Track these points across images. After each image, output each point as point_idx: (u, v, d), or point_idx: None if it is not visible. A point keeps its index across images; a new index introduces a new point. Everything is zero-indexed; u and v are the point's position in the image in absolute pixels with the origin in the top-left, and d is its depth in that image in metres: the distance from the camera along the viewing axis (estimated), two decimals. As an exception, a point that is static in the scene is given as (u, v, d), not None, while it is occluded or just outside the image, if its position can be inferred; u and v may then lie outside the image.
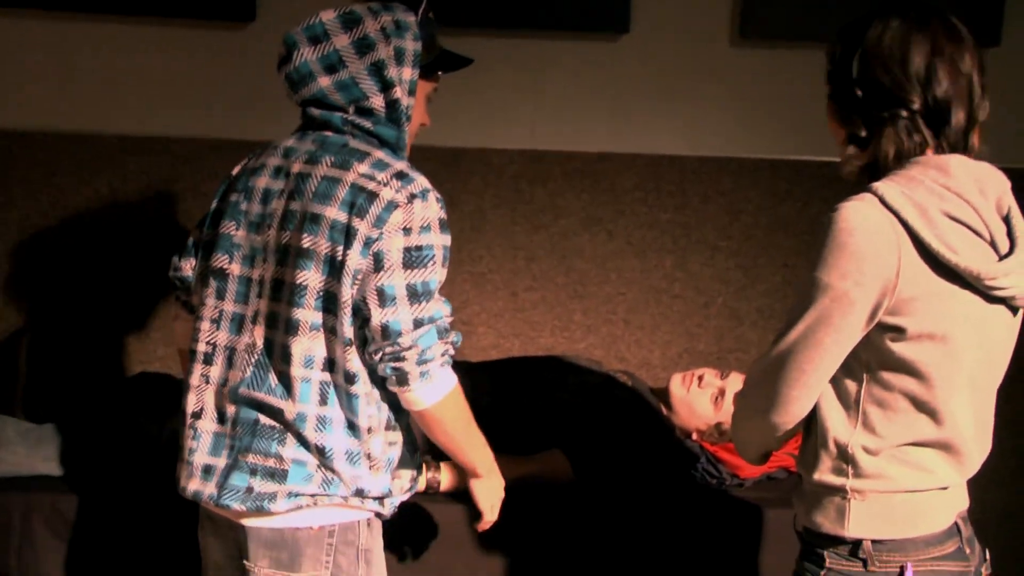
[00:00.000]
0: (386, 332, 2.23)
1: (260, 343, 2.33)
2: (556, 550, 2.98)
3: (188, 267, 2.55)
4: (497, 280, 3.78)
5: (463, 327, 3.77)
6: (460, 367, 3.34)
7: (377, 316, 2.23)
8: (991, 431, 2.18)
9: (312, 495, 2.29)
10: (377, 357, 2.26)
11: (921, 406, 2.04)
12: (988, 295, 2.02)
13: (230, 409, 2.35)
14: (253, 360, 2.32)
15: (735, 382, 3.31)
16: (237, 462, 2.31)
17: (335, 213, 2.26)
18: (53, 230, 3.64)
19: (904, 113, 2.02)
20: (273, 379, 2.30)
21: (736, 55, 3.75)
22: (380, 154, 2.32)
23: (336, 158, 2.31)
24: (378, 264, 2.24)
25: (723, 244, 3.82)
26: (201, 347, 2.41)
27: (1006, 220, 2.04)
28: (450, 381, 2.32)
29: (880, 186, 1.99)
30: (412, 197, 2.26)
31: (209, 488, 2.34)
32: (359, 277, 2.24)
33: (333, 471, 2.30)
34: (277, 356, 2.31)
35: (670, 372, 3.57)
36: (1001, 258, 2.02)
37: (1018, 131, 3.74)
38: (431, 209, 2.28)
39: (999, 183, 2.06)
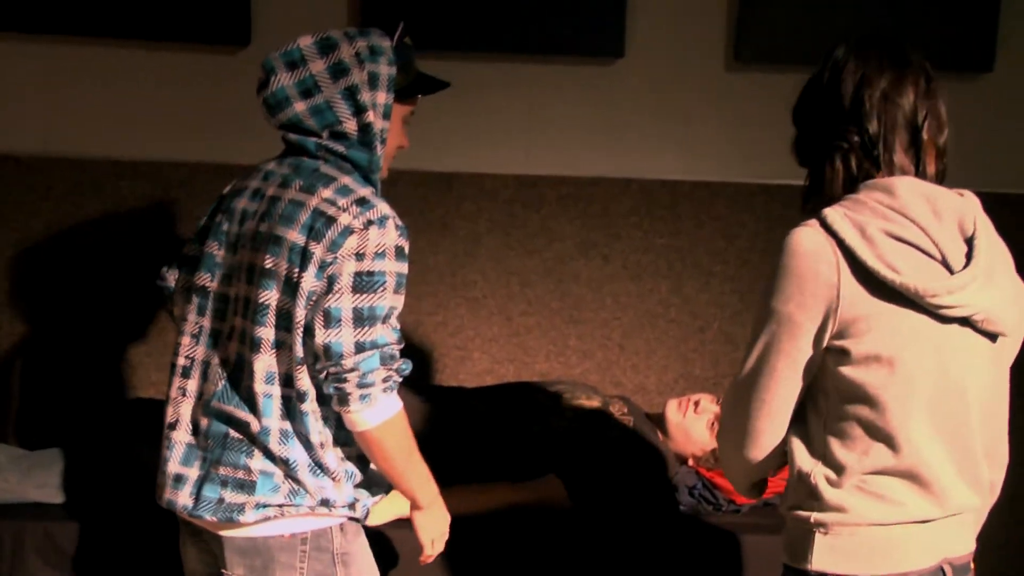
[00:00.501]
0: (328, 352, 2.28)
1: (232, 358, 2.40)
2: (551, 577, 2.96)
3: (172, 278, 2.64)
4: (491, 305, 3.77)
5: (457, 352, 3.76)
6: (454, 393, 3.35)
7: (320, 336, 2.28)
8: (997, 464, 2.13)
9: (280, 505, 2.35)
10: (322, 376, 2.31)
11: (875, 432, 1.99)
12: (940, 316, 1.98)
13: (203, 422, 2.41)
14: (225, 375, 2.40)
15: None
16: (209, 474, 2.38)
17: (295, 236, 2.31)
18: (47, 254, 3.63)
19: (844, 145, 2.05)
20: (241, 393, 2.37)
21: (731, 79, 3.76)
22: (347, 180, 2.36)
23: (304, 182, 2.37)
24: (330, 287, 2.29)
25: (718, 269, 3.82)
26: (181, 360, 2.48)
27: (968, 242, 2.01)
28: (392, 407, 2.34)
29: (827, 211, 2.00)
30: (369, 223, 2.30)
31: (183, 498, 2.40)
32: (313, 299, 2.30)
33: (298, 482, 2.36)
34: (245, 372, 2.37)
35: (666, 397, 3.56)
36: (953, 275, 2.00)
37: (1011, 156, 3.75)
38: (388, 236, 2.31)
39: (959, 205, 2.03)
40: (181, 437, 2.44)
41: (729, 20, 3.73)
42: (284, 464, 2.35)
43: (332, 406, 2.35)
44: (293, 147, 2.46)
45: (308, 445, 2.37)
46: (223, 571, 2.41)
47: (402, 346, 2.34)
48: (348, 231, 2.28)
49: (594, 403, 3.30)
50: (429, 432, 3.11)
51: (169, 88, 3.64)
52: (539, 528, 2.97)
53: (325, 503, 2.38)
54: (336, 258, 2.28)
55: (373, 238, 2.29)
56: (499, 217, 3.75)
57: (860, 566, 2.01)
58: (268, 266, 2.33)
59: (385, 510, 2.92)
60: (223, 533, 2.38)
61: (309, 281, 2.29)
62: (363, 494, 2.46)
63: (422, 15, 3.61)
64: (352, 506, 2.44)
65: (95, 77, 3.62)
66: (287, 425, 2.36)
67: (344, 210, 2.30)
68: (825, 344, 1.99)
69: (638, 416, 3.32)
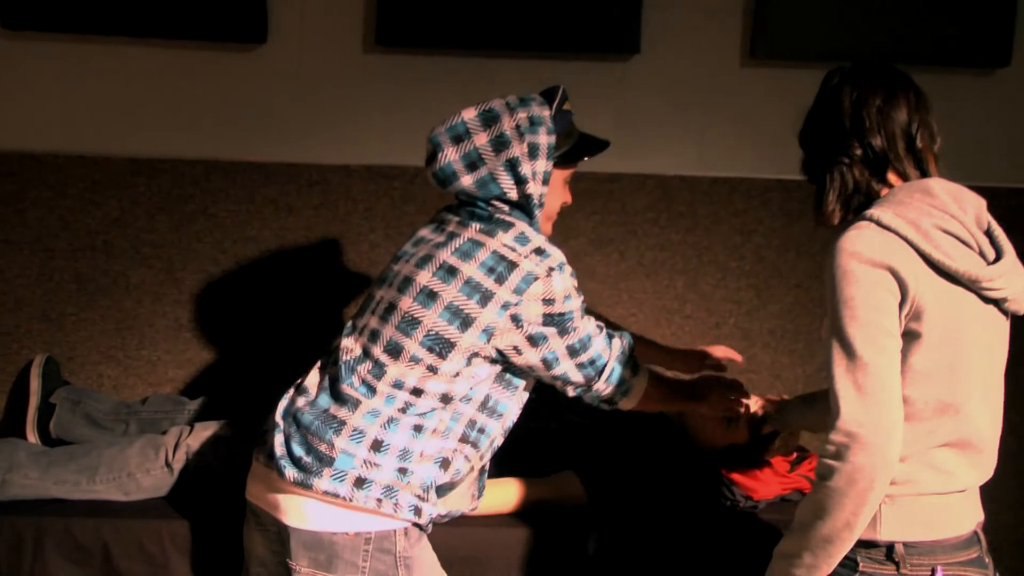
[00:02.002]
0: (564, 380, 2.66)
1: (358, 351, 2.59)
2: (569, 573, 2.96)
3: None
4: (508, 301, 3.77)
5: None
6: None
7: (549, 376, 2.65)
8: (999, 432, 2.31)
9: (352, 487, 2.47)
10: (583, 396, 2.73)
11: (941, 408, 2.17)
12: (984, 297, 2.20)
13: (315, 394, 2.60)
14: (351, 361, 2.58)
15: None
16: (297, 435, 2.53)
17: (472, 271, 2.52)
18: (64, 251, 3.64)
19: (846, 159, 2.26)
20: (356, 380, 2.56)
21: (746, 75, 3.76)
22: (524, 227, 2.59)
23: (483, 226, 2.59)
24: (517, 324, 2.53)
25: (734, 265, 3.82)
26: (334, 344, 2.69)
27: (987, 233, 2.25)
28: (637, 388, 2.73)
29: (874, 212, 2.18)
30: (551, 270, 2.54)
31: (273, 446, 2.56)
32: (494, 332, 2.52)
33: (374, 466, 2.48)
34: (368, 365, 2.56)
35: (682, 393, 3.56)
36: (990, 264, 2.21)
37: (1030, 151, 3.75)
38: (567, 280, 2.56)
39: (975, 201, 2.26)
40: (295, 397, 2.62)
41: (745, 16, 3.73)
42: (374, 449, 2.49)
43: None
44: (463, 204, 2.67)
45: (399, 445, 2.51)
46: (288, 561, 2.51)
47: (606, 331, 2.68)
48: (532, 277, 2.53)
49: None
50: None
51: (186, 86, 3.65)
52: (557, 524, 2.97)
53: (390, 493, 2.48)
54: (520, 300, 2.52)
55: (555, 283, 2.54)
56: (515, 214, 3.75)
57: (923, 532, 2.19)
58: (434, 288, 2.53)
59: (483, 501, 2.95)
60: (292, 524, 2.49)
61: (489, 317, 2.51)
62: (432, 500, 2.57)
63: (438, 14, 3.62)
64: (418, 511, 2.53)
65: (112, 75, 3.63)
66: (393, 416, 2.53)
67: (525, 257, 2.54)
68: (902, 330, 2.14)
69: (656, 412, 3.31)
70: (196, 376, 3.68)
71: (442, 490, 2.64)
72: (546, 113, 2.62)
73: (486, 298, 2.51)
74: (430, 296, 2.53)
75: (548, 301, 2.54)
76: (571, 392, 2.70)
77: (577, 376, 2.65)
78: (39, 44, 3.61)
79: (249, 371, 3.67)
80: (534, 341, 2.57)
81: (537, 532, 2.94)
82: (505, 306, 2.51)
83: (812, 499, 2.16)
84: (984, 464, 2.25)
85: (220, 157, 3.65)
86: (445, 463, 2.58)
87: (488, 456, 2.73)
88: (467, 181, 2.59)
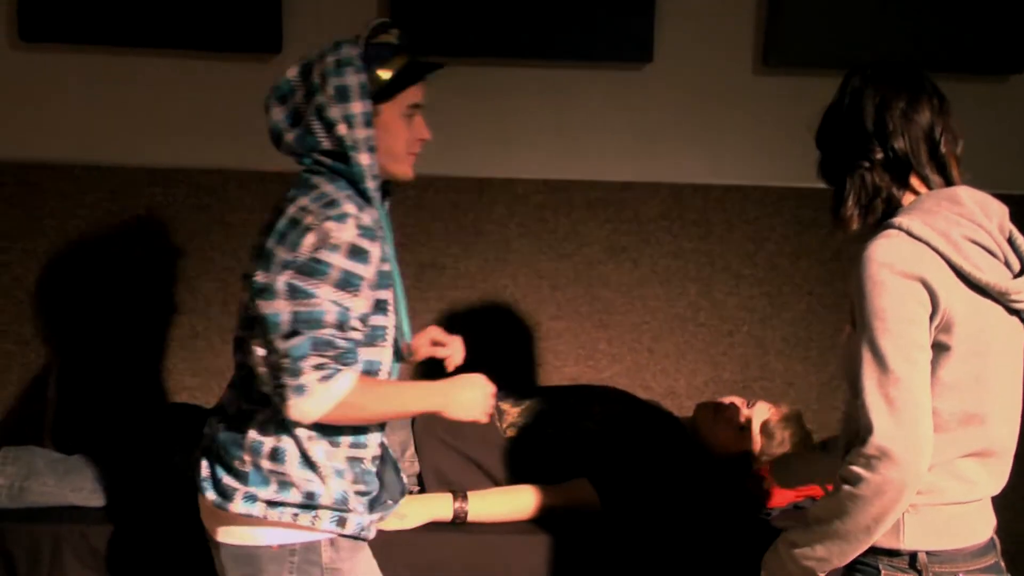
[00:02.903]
0: (264, 324, 2.39)
1: (237, 361, 2.57)
2: (583, 580, 2.97)
3: None
4: (522, 309, 3.79)
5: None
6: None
7: (256, 308, 2.40)
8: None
9: (268, 502, 2.45)
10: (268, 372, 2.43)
11: (970, 419, 2.16)
12: (1010, 309, 2.19)
13: (220, 412, 2.59)
14: (237, 372, 2.58)
15: (761, 411, 3.30)
16: (216, 454, 2.53)
17: (272, 245, 2.42)
18: (81, 260, 3.66)
19: (866, 163, 2.21)
20: (243, 388, 2.53)
21: (759, 83, 3.76)
22: (329, 188, 2.45)
23: (297, 194, 2.48)
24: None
25: (747, 272, 3.82)
26: None
27: (1009, 241, 2.23)
28: (331, 396, 2.38)
29: (903, 221, 2.15)
30: (327, 219, 2.37)
31: (200, 471, 2.56)
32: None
33: (284, 475, 2.46)
34: (245, 374, 2.53)
35: (695, 401, 3.57)
36: (1015, 275, 2.19)
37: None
38: (344, 232, 2.37)
39: (999, 209, 2.24)
40: (212, 419, 2.60)
41: (757, 24, 3.73)
42: (273, 457, 2.46)
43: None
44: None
45: (296, 437, 2.46)
46: None
47: (349, 346, 2.39)
48: (307, 229, 2.37)
49: (624, 407, 3.30)
50: (461, 437, 3.13)
51: (202, 96, 3.67)
52: (570, 531, 2.98)
53: (311, 497, 2.45)
54: (297, 256, 2.36)
55: (328, 231, 2.35)
56: (529, 222, 3.77)
57: (946, 541, 2.18)
58: (257, 278, 2.43)
59: (418, 512, 2.95)
60: (220, 539, 2.51)
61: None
62: (358, 507, 2.52)
63: (451, 22, 3.63)
64: (342, 522, 2.49)
65: (129, 86, 3.65)
66: (277, 422, 2.46)
67: (311, 212, 2.39)
68: (931, 342, 2.13)
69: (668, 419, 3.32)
70: (212, 384, 3.69)
71: (368, 495, 2.57)
72: (355, 52, 2.47)
73: (274, 265, 2.40)
74: (259, 290, 2.43)
75: (314, 246, 2.36)
76: (259, 350, 2.43)
77: (281, 319, 2.36)
78: (57, 55, 3.64)
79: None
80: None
81: (550, 539, 2.95)
82: (285, 265, 2.38)
83: (834, 498, 2.15)
84: (1002, 472, 2.26)
85: (236, 166, 3.67)
86: (342, 472, 2.51)
87: (377, 440, 2.59)
88: (290, 137, 2.51)
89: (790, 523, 3.10)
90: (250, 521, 2.47)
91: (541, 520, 3.00)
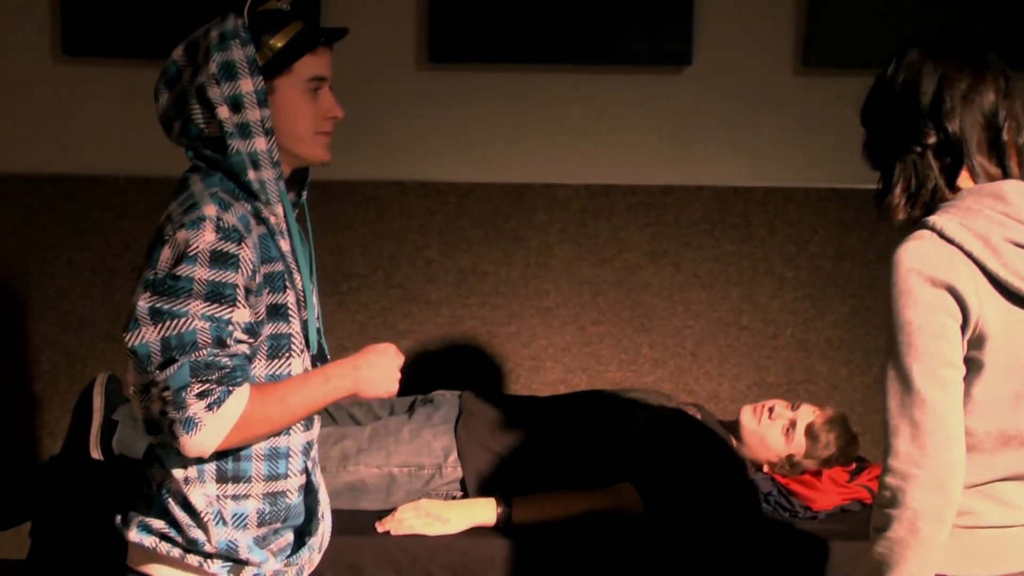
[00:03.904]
0: (136, 358, 2.09)
1: None
2: (628, 585, 2.96)
3: None
4: (564, 314, 3.79)
5: (530, 362, 3.77)
6: (528, 401, 3.36)
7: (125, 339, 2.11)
8: None
9: (161, 535, 2.19)
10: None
11: (1008, 440, 1.99)
12: None
13: None
14: None
15: (806, 413, 3.27)
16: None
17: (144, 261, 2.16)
18: (125, 272, 3.69)
19: (918, 148, 2.00)
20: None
21: (800, 84, 3.74)
22: (198, 188, 2.16)
23: (174, 198, 2.20)
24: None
25: (790, 275, 3.80)
26: None
27: None
28: (224, 423, 2.09)
29: (937, 220, 1.95)
30: (181, 227, 2.09)
31: None
32: None
33: (170, 513, 2.19)
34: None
35: (739, 405, 3.54)
36: None
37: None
38: (202, 239, 2.08)
39: None
40: None
41: (797, 25, 3.72)
42: (160, 490, 2.20)
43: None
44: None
45: (173, 478, 2.18)
46: None
47: (236, 363, 2.10)
48: (163, 241, 2.11)
49: (667, 411, 3.29)
50: (504, 441, 3.13)
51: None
52: (614, 535, 2.97)
53: (193, 544, 2.17)
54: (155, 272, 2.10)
55: (183, 241, 2.08)
56: (570, 227, 3.76)
57: (981, 567, 2.01)
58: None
59: (461, 517, 2.94)
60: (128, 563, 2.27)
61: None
62: (253, 557, 2.19)
63: (489, 30, 3.64)
64: (236, 570, 2.19)
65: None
66: (156, 453, 2.21)
67: (170, 220, 2.12)
68: (963, 356, 1.95)
69: (712, 423, 3.31)
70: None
71: (284, 531, 2.28)
72: (239, 23, 2.14)
73: (137, 287, 2.12)
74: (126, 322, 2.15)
75: (170, 261, 2.08)
76: (131, 382, 2.13)
77: (151, 349, 2.07)
78: (99, 69, 3.68)
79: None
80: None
81: (594, 543, 2.94)
82: (145, 285, 2.11)
83: (873, 555, 1.96)
84: None
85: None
86: (229, 519, 2.19)
87: (300, 467, 2.26)
88: (177, 126, 2.20)
89: (836, 526, 3.08)
90: (145, 553, 2.21)
91: (585, 525, 3.00)
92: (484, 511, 2.97)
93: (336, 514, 2.95)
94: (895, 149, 2.02)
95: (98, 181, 3.69)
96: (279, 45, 2.18)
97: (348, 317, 3.74)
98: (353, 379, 2.23)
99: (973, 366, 1.95)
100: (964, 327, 1.93)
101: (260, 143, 2.15)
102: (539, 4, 3.64)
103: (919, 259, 1.93)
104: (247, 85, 2.13)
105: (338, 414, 3.30)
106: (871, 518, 1.99)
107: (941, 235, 1.94)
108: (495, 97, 3.70)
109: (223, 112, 2.13)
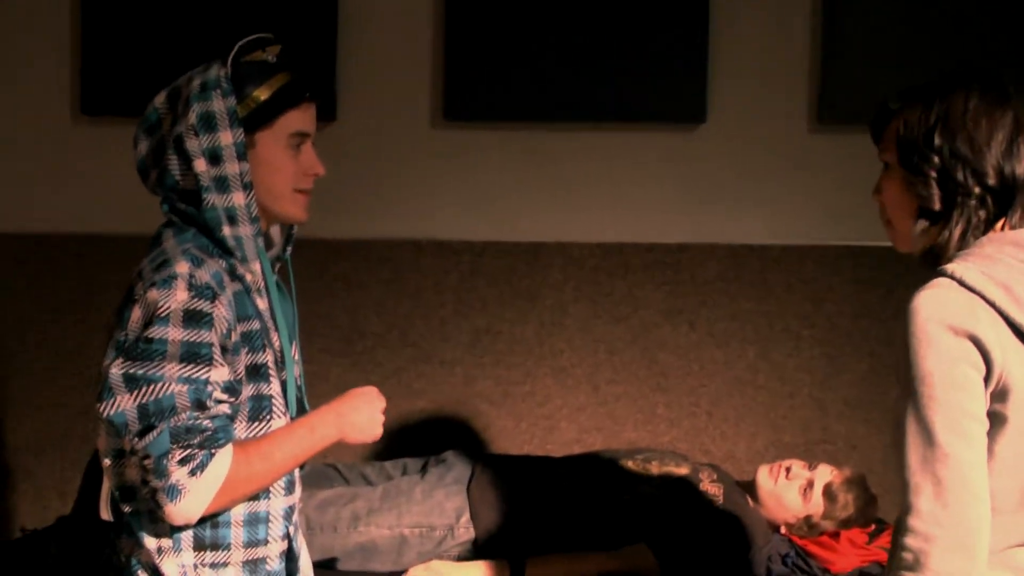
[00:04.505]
0: (112, 428, 2.04)
1: None
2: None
3: None
4: (579, 374, 3.76)
5: (545, 422, 3.75)
6: (541, 462, 3.34)
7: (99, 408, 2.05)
8: None
9: None
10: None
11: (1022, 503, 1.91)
12: None
13: None
14: None
15: (824, 473, 3.24)
16: None
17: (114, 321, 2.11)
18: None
19: (977, 190, 1.93)
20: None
21: (815, 141, 3.74)
22: (169, 244, 2.12)
23: (148, 254, 2.16)
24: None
25: (807, 333, 3.77)
26: None
27: None
28: (210, 485, 2.04)
29: (955, 268, 1.90)
30: (151, 286, 2.04)
31: None
32: None
33: None
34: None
35: (756, 465, 3.51)
36: None
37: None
38: (173, 298, 2.02)
39: None
40: None
41: (811, 81, 3.72)
42: (130, 562, 2.16)
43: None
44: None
45: (145, 549, 2.12)
46: None
47: (218, 424, 2.05)
48: (133, 301, 2.06)
49: (683, 470, 3.27)
50: (518, 502, 3.10)
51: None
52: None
53: None
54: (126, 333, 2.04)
55: (153, 301, 2.02)
56: (585, 285, 3.75)
57: None
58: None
59: None
60: None
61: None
62: None
63: (503, 87, 3.65)
64: None
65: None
66: (126, 521, 2.16)
67: (141, 279, 2.08)
68: (986, 410, 1.88)
69: (728, 483, 3.28)
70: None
71: None
72: (221, 73, 2.09)
73: (108, 351, 2.07)
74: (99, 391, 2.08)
75: (141, 322, 2.03)
76: (102, 448, 2.09)
77: (128, 418, 2.02)
78: (117, 129, 3.68)
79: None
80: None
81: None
82: (116, 349, 2.05)
83: None
84: None
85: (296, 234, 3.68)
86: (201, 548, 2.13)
87: (281, 532, 2.21)
88: (153, 175, 2.14)
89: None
90: None
91: (600, 587, 2.97)
92: (497, 573, 2.94)
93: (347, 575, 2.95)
94: (954, 188, 1.94)
95: (110, 240, 3.69)
96: (262, 97, 2.13)
97: (362, 377, 3.72)
98: (338, 426, 2.17)
99: (996, 420, 1.87)
100: (988, 379, 1.86)
101: (238, 198, 2.10)
102: (553, 62, 3.65)
103: (939, 307, 1.86)
104: (226, 137, 2.08)
105: (350, 474, 3.28)
106: None
107: (961, 283, 1.88)
108: (509, 155, 3.70)
109: (200, 165, 2.08)
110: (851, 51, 3.68)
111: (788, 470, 3.28)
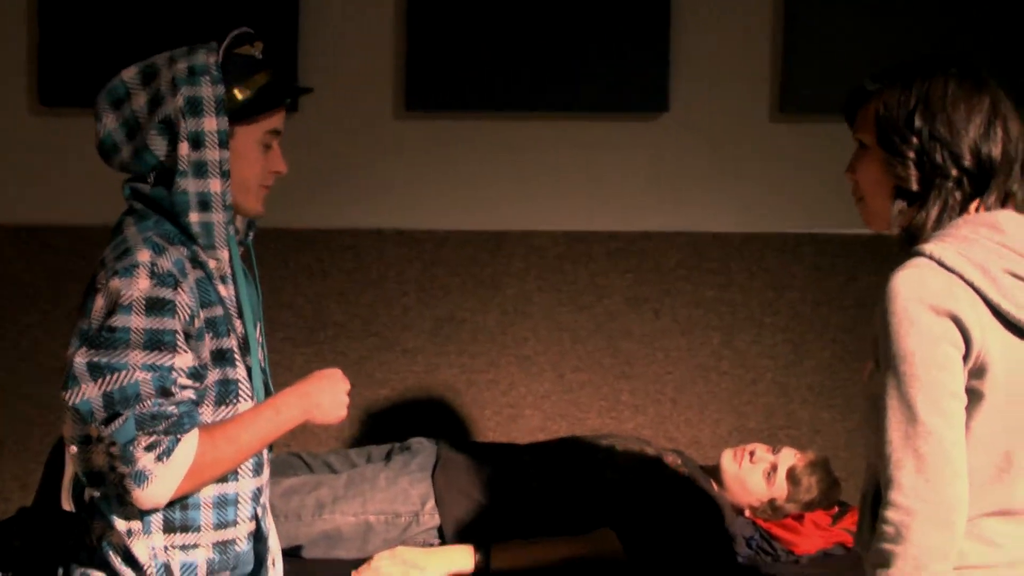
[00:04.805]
0: (79, 416, 2.06)
1: None
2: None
3: None
4: (543, 362, 3.77)
5: (509, 410, 3.75)
6: (506, 448, 3.34)
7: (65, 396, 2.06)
8: None
9: None
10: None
11: (1000, 475, 1.95)
12: None
13: None
14: None
15: (787, 457, 3.26)
16: None
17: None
18: (101, 323, 3.66)
19: (955, 172, 1.96)
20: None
21: (776, 130, 3.76)
22: (131, 231, 2.13)
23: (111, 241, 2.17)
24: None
25: (769, 320, 3.79)
26: None
27: None
28: (176, 469, 2.06)
29: (934, 248, 1.92)
30: (114, 274, 2.06)
31: None
32: None
33: (110, 565, 2.16)
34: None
35: (720, 450, 3.52)
36: None
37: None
38: (135, 286, 2.05)
39: None
40: None
41: (773, 71, 3.73)
42: (100, 542, 2.18)
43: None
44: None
45: (116, 531, 2.14)
46: None
47: (183, 410, 2.07)
48: (95, 290, 2.08)
49: (648, 455, 3.27)
50: (483, 488, 3.10)
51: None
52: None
53: None
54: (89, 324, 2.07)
55: (115, 290, 2.05)
56: (549, 274, 3.75)
57: None
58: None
59: (439, 565, 2.91)
60: None
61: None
62: None
63: (466, 78, 3.65)
64: None
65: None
66: (96, 504, 2.18)
67: (104, 267, 2.09)
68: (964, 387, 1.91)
69: (693, 468, 3.29)
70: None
71: None
72: (212, 60, 2.12)
73: (72, 339, 2.09)
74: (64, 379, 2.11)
75: (104, 311, 2.05)
76: (68, 434, 2.13)
77: (93, 406, 2.04)
78: (75, 120, 3.67)
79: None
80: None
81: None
82: (80, 338, 2.08)
83: None
84: None
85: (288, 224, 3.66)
86: (176, 570, 2.15)
87: (249, 513, 2.23)
88: (126, 153, 2.14)
89: (819, 571, 3.06)
90: None
91: (565, 572, 2.96)
92: (462, 559, 2.94)
93: (311, 563, 2.95)
94: (932, 169, 1.97)
95: (75, 231, 3.67)
96: (248, 93, 2.17)
97: (325, 366, 3.63)
98: (303, 407, 2.21)
99: (973, 397, 1.91)
100: (966, 357, 1.90)
101: (215, 184, 2.12)
102: (514, 52, 3.65)
103: (919, 287, 1.89)
104: (211, 124, 2.11)
105: (314, 462, 3.27)
106: (869, 556, 1.93)
107: (940, 263, 1.91)
108: (471, 145, 3.70)
109: (183, 148, 2.10)
110: (812, 41, 3.69)
111: (752, 454, 3.29)
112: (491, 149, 3.72)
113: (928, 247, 1.93)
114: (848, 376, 3.78)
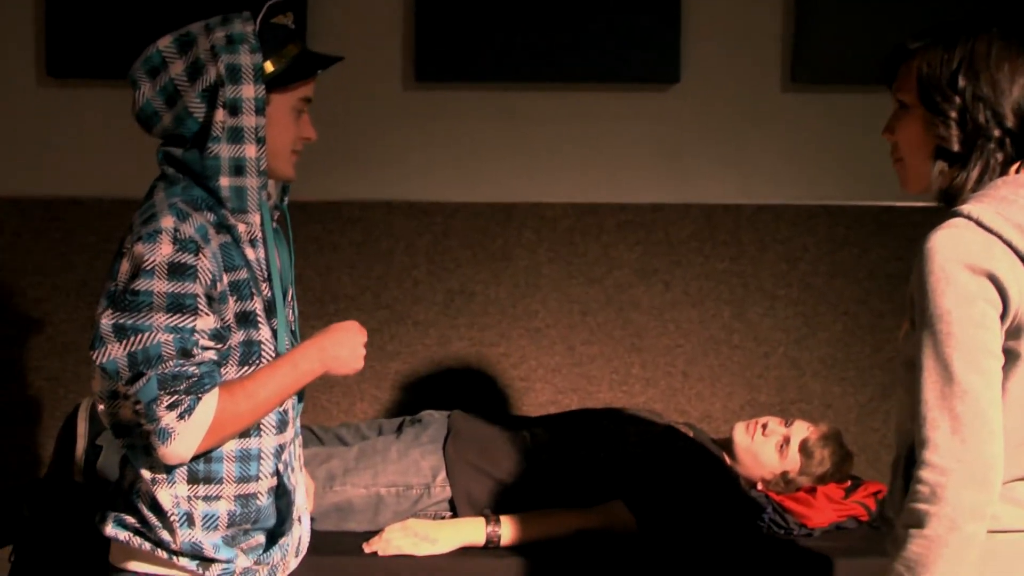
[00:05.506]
0: (106, 374, 2.13)
1: None
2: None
3: None
4: (553, 335, 3.76)
5: (520, 383, 3.74)
6: (517, 421, 3.33)
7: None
8: None
9: (136, 531, 2.23)
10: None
11: None
12: None
13: None
14: None
15: (800, 430, 3.25)
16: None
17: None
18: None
19: (997, 132, 1.96)
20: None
21: (788, 101, 3.73)
22: (159, 196, 2.20)
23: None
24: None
25: (781, 293, 3.78)
26: None
27: None
28: (197, 427, 2.13)
29: (971, 209, 1.91)
30: (138, 239, 2.12)
31: None
32: None
33: (137, 511, 2.23)
34: None
35: (732, 424, 3.52)
36: None
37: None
38: (158, 251, 2.11)
39: None
40: None
41: (784, 41, 3.70)
42: (131, 490, 2.25)
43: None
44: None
45: (142, 478, 2.21)
46: None
47: (204, 370, 2.13)
48: (121, 254, 2.15)
49: (660, 427, 3.26)
50: (494, 460, 3.10)
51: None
52: (606, 553, 2.93)
53: (160, 544, 2.21)
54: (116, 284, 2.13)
55: (139, 255, 2.11)
56: (559, 246, 3.74)
57: (998, 573, 1.94)
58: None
59: (450, 537, 2.91)
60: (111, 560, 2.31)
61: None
62: (220, 555, 2.23)
63: (476, 49, 3.63)
64: (205, 566, 2.22)
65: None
66: (125, 454, 2.26)
67: (131, 231, 2.16)
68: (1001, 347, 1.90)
69: (705, 441, 3.28)
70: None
71: (255, 533, 2.29)
72: (249, 29, 2.19)
73: (100, 301, 2.16)
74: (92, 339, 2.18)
75: (128, 275, 2.12)
76: (96, 389, 2.21)
77: (119, 365, 2.11)
78: (84, 91, 3.66)
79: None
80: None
81: (586, 562, 2.91)
82: (106, 300, 2.14)
83: (907, 554, 1.87)
84: None
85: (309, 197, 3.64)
86: (198, 519, 2.21)
87: (271, 469, 2.28)
88: (167, 119, 2.20)
89: (831, 543, 3.05)
90: (123, 548, 2.25)
91: (576, 543, 2.96)
92: (473, 531, 2.93)
93: (323, 535, 2.94)
94: (975, 129, 1.96)
95: (83, 203, 3.66)
96: (282, 62, 2.24)
97: (336, 339, 3.70)
98: (321, 360, 2.27)
99: (1009, 357, 1.90)
100: (1003, 316, 1.88)
101: (251, 150, 2.19)
102: (525, 23, 3.63)
103: (956, 247, 1.88)
104: (249, 91, 2.18)
105: (325, 435, 3.26)
106: (901, 517, 1.91)
107: (979, 223, 1.89)
108: (481, 116, 3.68)
109: (219, 114, 2.17)
110: (824, 10, 3.66)
111: (764, 427, 3.28)
112: (501, 121, 3.70)
113: (966, 207, 1.92)
114: (861, 350, 3.77)
